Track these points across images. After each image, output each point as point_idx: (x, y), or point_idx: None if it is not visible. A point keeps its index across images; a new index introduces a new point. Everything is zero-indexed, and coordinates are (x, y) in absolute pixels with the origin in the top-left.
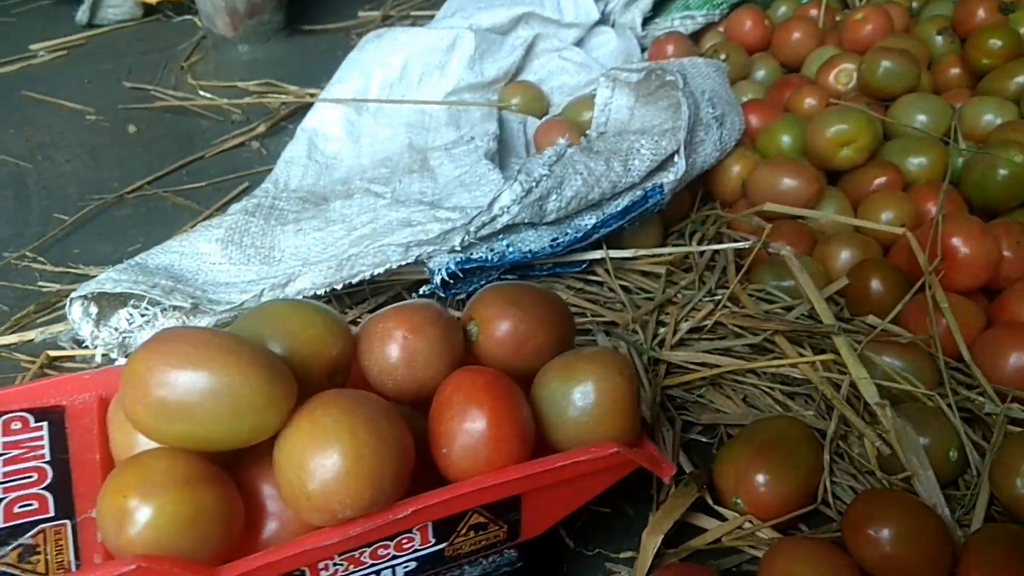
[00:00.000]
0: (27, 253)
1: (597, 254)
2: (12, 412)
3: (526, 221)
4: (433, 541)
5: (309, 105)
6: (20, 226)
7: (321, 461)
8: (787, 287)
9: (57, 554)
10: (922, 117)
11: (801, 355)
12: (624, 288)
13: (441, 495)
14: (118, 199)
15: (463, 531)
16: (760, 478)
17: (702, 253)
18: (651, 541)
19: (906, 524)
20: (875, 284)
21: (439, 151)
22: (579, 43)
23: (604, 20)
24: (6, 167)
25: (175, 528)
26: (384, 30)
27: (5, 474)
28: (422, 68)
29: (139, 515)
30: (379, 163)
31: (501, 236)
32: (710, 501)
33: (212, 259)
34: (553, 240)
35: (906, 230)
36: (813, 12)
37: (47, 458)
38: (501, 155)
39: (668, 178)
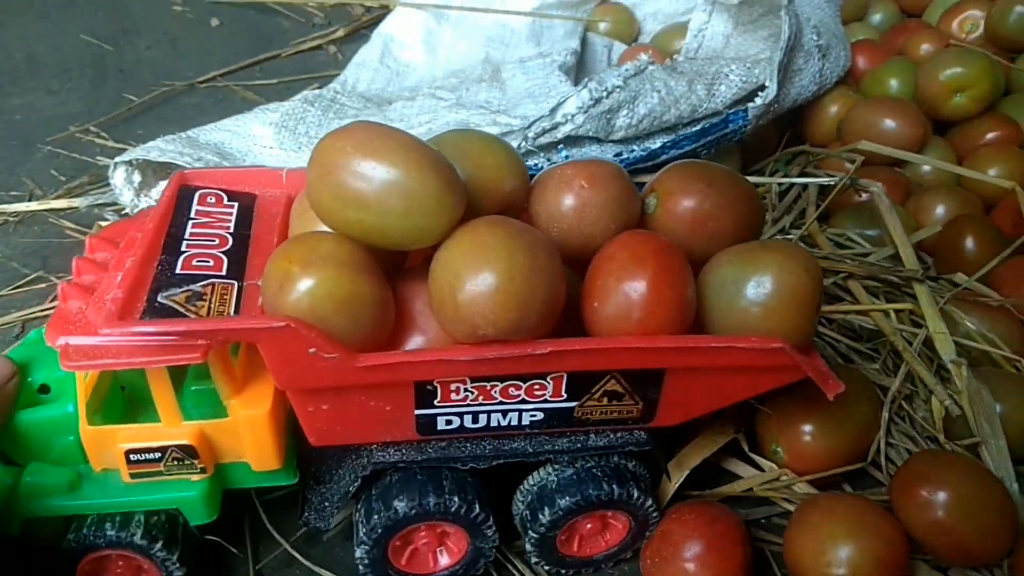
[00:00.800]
0: (91, 128)
1: None
2: (209, 188)
3: (591, 134)
4: (565, 396)
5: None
6: (92, 104)
7: (474, 274)
8: (871, 236)
9: (219, 305)
10: None
11: (875, 304)
12: None
13: (583, 343)
14: (189, 87)
15: (597, 394)
16: (806, 427)
17: (781, 190)
18: (676, 473)
19: (966, 490)
20: (969, 242)
21: (512, 63)
22: None
23: None
24: (90, 48)
25: (330, 304)
26: None
27: (191, 234)
28: None
29: (300, 283)
30: (451, 75)
31: (561, 147)
32: (746, 448)
33: (263, 142)
34: (616, 155)
35: (1016, 185)
36: None
37: (231, 230)
38: (579, 78)
39: (755, 102)
